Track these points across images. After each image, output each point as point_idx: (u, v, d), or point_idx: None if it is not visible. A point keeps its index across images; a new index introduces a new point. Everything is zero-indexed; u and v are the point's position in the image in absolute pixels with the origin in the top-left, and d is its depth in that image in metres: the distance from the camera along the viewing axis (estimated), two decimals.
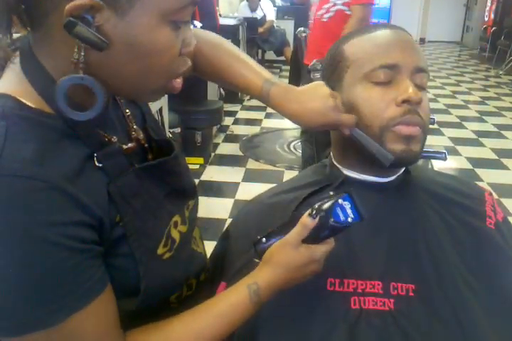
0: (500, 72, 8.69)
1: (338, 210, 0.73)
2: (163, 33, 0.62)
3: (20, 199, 0.55)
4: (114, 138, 0.70)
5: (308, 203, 0.89)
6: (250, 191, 3.02)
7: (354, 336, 0.81)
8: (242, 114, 5.64)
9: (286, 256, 0.74)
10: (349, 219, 0.73)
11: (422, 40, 12.57)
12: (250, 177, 3.81)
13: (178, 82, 0.70)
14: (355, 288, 0.85)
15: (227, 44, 0.96)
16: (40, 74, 0.63)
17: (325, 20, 2.98)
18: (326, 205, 0.73)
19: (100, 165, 0.65)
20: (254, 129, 4.94)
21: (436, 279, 0.86)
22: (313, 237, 0.74)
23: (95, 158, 0.65)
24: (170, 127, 3.45)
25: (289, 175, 3.71)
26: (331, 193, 0.76)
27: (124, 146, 0.72)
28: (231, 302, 0.74)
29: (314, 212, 0.73)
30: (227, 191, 3.57)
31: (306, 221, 0.73)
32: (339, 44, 0.95)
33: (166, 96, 3.30)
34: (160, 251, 0.73)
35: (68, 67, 0.60)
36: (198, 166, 3.90)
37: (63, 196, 0.58)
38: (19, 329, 0.58)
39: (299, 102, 0.87)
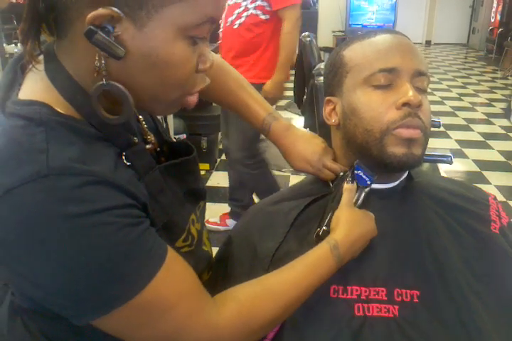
0: (507, 74, 8.65)
1: (358, 179, 0.89)
2: (179, 46, 0.64)
3: (72, 194, 0.58)
4: (136, 139, 0.73)
5: (310, 211, 0.91)
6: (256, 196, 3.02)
7: None
8: None
9: (348, 214, 0.85)
10: (368, 182, 0.89)
11: (428, 43, 12.55)
12: None
13: (194, 97, 0.72)
14: (358, 294, 0.85)
15: (232, 70, 1.05)
16: (67, 82, 0.66)
17: (236, 26, 2.60)
18: (349, 177, 0.90)
19: (129, 163, 0.69)
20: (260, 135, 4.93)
21: (441, 285, 0.86)
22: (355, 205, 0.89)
23: (124, 157, 0.68)
24: (175, 133, 3.45)
25: (294, 180, 3.70)
26: (342, 174, 0.94)
27: (147, 146, 0.79)
28: (315, 255, 0.81)
29: (349, 179, 0.89)
30: None
31: (348, 186, 0.88)
32: (339, 50, 0.96)
33: None
34: (178, 244, 0.77)
35: (91, 75, 0.63)
36: (203, 172, 3.90)
37: (111, 186, 0.62)
38: (103, 307, 0.61)
39: (292, 142, 1.00)
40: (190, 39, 0.64)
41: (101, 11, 0.58)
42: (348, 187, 0.88)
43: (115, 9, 0.59)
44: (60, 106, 0.65)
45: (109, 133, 0.67)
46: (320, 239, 0.86)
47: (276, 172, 3.99)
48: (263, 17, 2.53)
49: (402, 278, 0.86)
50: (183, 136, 3.60)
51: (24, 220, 0.57)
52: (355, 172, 0.89)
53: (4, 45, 3.08)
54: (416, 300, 0.84)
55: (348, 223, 0.84)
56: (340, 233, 0.83)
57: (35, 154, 0.59)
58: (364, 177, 0.89)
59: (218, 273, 0.95)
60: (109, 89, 0.63)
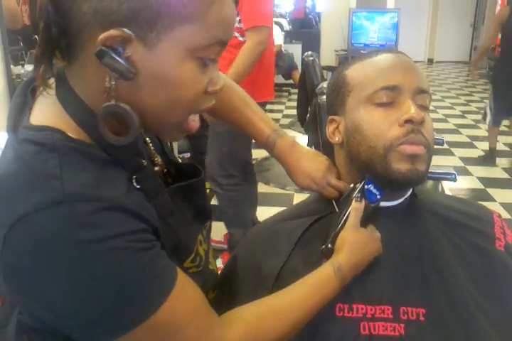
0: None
1: (368, 194, 0.89)
2: (189, 67, 0.64)
3: (86, 220, 0.59)
4: (145, 162, 0.73)
5: (314, 229, 0.91)
6: (260, 214, 3.01)
7: None
8: None
9: (354, 237, 0.86)
10: (378, 197, 0.89)
11: (430, 61, 12.62)
12: (260, 200, 3.79)
13: (196, 122, 0.72)
14: (364, 313, 0.85)
15: (237, 87, 1.06)
16: (78, 106, 0.66)
17: None
18: (359, 193, 0.89)
19: (138, 186, 0.69)
20: (264, 153, 4.92)
21: (447, 303, 0.86)
22: (362, 223, 0.88)
23: (134, 180, 0.69)
24: (179, 152, 3.46)
25: (298, 198, 3.70)
26: (352, 186, 0.91)
27: (156, 168, 0.79)
28: (320, 277, 0.83)
29: (358, 199, 0.88)
30: None
31: (356, 205, 0.88)
32: (341, 70, 0.97)
33: None
34: (186, 264, 0.77)
35: (100, 97, 0.63)
36: (208, 191, 3.90)
37: (124, 212, 0.62)
38: (115, 331, 0.62)
39: (297, 160, 1.01)
40: (199, 60, 0.65)
41: (112, 32, 0.59)
42: (355, 206, 0.88)
43: (126, 30, 0.60)
44: (72, 130, 0.65)
45: (119, 156, 0.68)
46: (323, 255, 0.87)
47: (280, 191, 4.01)
48: (241, 39, 2.49)
49: (408, 296, 0.86)
50: (188, 155, 3.61)
51: (37, 246, 0.58)
52: (366, 186, 0.89)
53: (11, 66, 3.12)
54: (422, 318, 0.84)
55: (353, 246, 0.85)
56: (344, 256, 0.84)
57: (49, 180, 0.60)
58: (374, 191, 0.89)
59: (223, 292, 0.95)
60: (116, 110, 0.63)
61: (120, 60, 0.60)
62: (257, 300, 0.78)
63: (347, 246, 0.85)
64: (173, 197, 0.75)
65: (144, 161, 0.72)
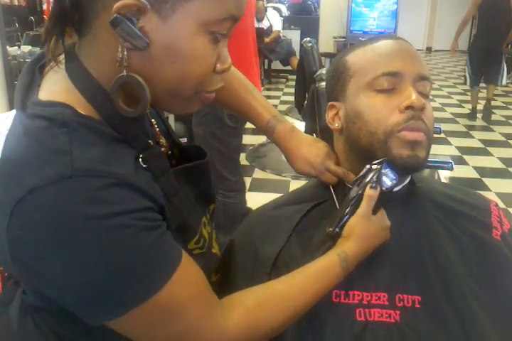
0: (508, 81, 8.66)
1: (384, 178, 0.86)
2: (200, 41, 0.65)
3: (95, 195, 0.59)
4: (151, 142, 0.73)
5: (312, 216, 0.90)
6: (256, 201, 3.01)
7: None
8: (248, 124, 5.61)
9: (364, 227, 0.85)
10: (394, 181, 0.87)
11: (429, 50, 12.58)
12: (256, 186, 3.81)
13: (212, 95, 0.73)
14: (360, 299, 0.85)
15: (238, 72, 1.05)
16: (88, 82, 0.67)
17: None
18: (375, 177, 0.86)
19: (145, 165, 0.69)
20: (261, 139, 4.93)
21: (442, 291, 0.86)
22: (374, 208, 0.86)
23: (141, 160, 0.69)
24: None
25: (295, 184, 3.70)
26: (368, 167, 0.88)
27: (162, 149, 0.79)
28: (324, 265, 0.81)
29: (373, 184, 0.85)
30: None
31: (371, 193, 0.85)
32: (342, 55, 0.96)
33: None
34: (190, 246, 0.77)
35: (112, 70, 0.64)
36: None
37: (132, 189, 0.62)
38: (118, 309, 0.62)
39: (296, 145, 1.00)
40: (211, 35, 0.65)
41: (128, 0, 0.60)
42: (370, 193, 0.85)
43: (142, 0, 0.60)
44: (81, 106, 0.65)
45: (127, 134, 0.68)
46: (330, 238, 0.87)
47: (276, 177, 4.01)
48: None
49: (404, 283, 0.86)
50: (184, 140, 3.60)
51: (46, 220, 0.58)
52: (383, 170, 0.86)
53: (7, 47, 3.09)
54: (417, 305, 0.84)
55: (362, 237, 0.84)
56: (351, 246, 0.83)
57: (59, 155, 0.60)
58: (391, 175, 0.86)
59: (221, 276, 0.95)
60: (128, 81, 0.64)
61: (134, 29, 0.61)
62: (259, 285, 0.78)
63: (356, 236, 0.84)
64: (177, 178, 0.75)
65: (150, 141, 0.73)
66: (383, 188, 0.86)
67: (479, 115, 6.07)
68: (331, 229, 0.87)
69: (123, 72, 0.63)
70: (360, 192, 0.87)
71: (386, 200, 0.87)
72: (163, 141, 0.83)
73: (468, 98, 7.28)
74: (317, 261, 0.82)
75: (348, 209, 0.87)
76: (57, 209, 0.58)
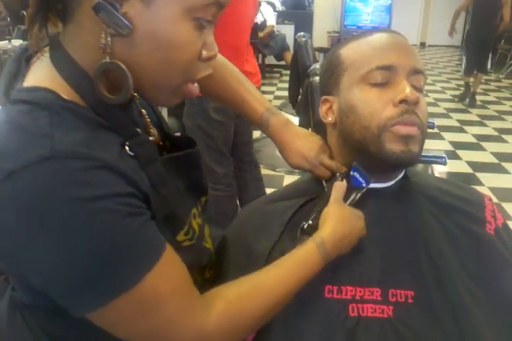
0: (501, 76, 8.68)
1: (354, 180, 0.89)
2: (185, 27, 0.64)
3: (77, 177, 0.58)
4: (139, 131, 0.73)
5: (305, 211, 0.91)
6: None
7: None
8: None
9: (338, 212, 0.85)
10: (363, 184, 0.89)
11: (423, 45, 12.58)
12: None
13: (195, 87, 0.72)
14: (353, 295, 0.84)
15: (231, 65, 1.05)
16: (72, 69, 0.66)
17: None
18: (343, 177, 0.90)
19: (132, 153, 0.68)
20: (255, 134, 4.90)
21: (436, 286, 0.86)
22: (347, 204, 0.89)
23: (127, 147, 0.68)
24: None
25: (289, 179, 3.70)
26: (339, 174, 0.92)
27: (150, 138, 0.78)
28: (302, 253, 0.81)
29: (340, 178, 0.90)
30: None
31: (338, 183, 0.89)
32: (335, 49, 0.96)
33: None
34: (180, 237, 0.77)
35: (96, 57, 0.63)
36: None
37: (115, 173, 0.61)
38: (100, 298, 0.61)
39: (290, 138, 0.99)
40: (196, 21, 0.65)
41: None
42: (337, 184, 0.88)
43: None
44: (66, 93, 0.65)
45: (113, 121, 0.67)
46: (305, 233, 0.86)
47: (270, 172, 4.00)
48: None
49: (397, 278, 0.86)
50: (178, 134, 3.58)
51: (26, 204, 0.57)
52: (351, 173, 0.89)
53: None
54: (410, 300, 0.84)
55: (335, 220, 0.84)
56: (326, 230, 0.83)
57: (40, 138, 0.59)
58: (360, 179, 0.89)
59: (214, 272, 0.95)
60: (111, 68, 0.63)
61: (117, 15, 0.60)
62: (240, 278, 0.78)
63: (329, 219, 0.84)
64: (166, 168, 0.75)
65: (138, 130, 0.72)
66: (353, 185, 0.89)
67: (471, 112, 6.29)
68: (304, 223, 0.88)
69: (106, 59, 0.63)
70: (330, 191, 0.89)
71: (359, 198, 0.90)
72: (153, 131, 0.82)
73: (459, 102, 7.34)
74: (295, 251, 0.81)
75: (322, 207, 0.88)
76: (36, 191, 0.57)
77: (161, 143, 0.84)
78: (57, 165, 0.57)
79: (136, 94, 0.75)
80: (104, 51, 0.62)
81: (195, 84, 0.72)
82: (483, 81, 7.91)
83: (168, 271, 0.66)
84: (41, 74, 0.67)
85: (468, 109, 6.37)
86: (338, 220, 0.84)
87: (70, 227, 0.58)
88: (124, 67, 0.63)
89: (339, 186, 0.88)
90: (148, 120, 0.83)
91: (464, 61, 6.77)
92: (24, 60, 0.70)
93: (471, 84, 6.67)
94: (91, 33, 0.63)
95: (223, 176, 2.53)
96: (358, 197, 0.90)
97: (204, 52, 0.68)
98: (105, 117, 0.66)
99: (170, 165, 0.76)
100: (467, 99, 6.62)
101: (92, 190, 0.58)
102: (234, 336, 0.74)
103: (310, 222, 0.87)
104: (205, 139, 2.45)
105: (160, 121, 0.88)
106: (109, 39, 0.62)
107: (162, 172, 0.73)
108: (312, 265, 0.80)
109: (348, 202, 0.89)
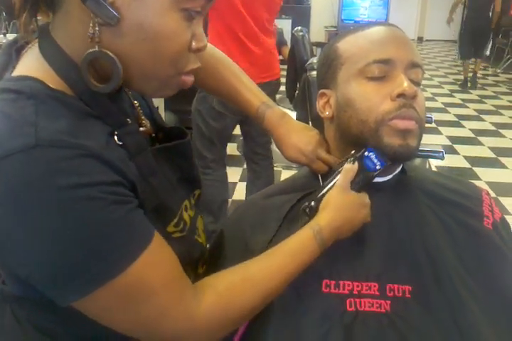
0: (498, 71, 8.69)
1: (367, 160, 0.85)
2: (173, 18, 0.64)
3: (61, 165, 0.58)
4: (129, 121, 0.73)
5: (301, 205, 0.90)
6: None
7: (350, 338, 0.80)
8: None
9: (340, 198, 0.83)
10: (377, 167, 0.85)
11: (420, 39, 12.56)
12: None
13: (190, 77, 0.72)
14: (350, 289, 0.84)
15: (229, 60, 1.05)
16: (60, 58, 0.66)
17: None
18: (357, 155, 0.86)
19: (121, 143, 0.68)
20: None
21: (433, 280, 0.86)
22: (355, 188, 0.85)
23: (116, 137, 0.68)
24: None
25: (286, 174, 3.70)
26: (353, 152, 0.88)
27: (141, 129, 0.79)
28: (299, 242, 0.79)
29: (352, 159, 0.85)
30: None
31: (348, 166, 0.84)
32: (333, 43, 0.95)
33: None
34: (170, 229, 0.76)
35: (84, 47, 0.63)
36: None
37: (101, 161, 0.61)
38: (84, 287, 0.60)
39: (287, 132, 0.98)
40: (185, 12, 0.65)
41: None
42: (347, 167, 0.85)
43: None
44: (54, 82, 0.65)
45: (101, 110, 0.67)
46: (305, 214, 0.85)
47: None
48: None
49: (395, 273, 0.86)
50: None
51: (8, 192, 0.57)
52: (366, 154, 0.85)
53: None
54: (408, 295, 0.84)
55: (337, 207, 0.82)
56: (325, 218, 0.81)
57: (24, 127, 0.59)
58: (375, 160, 0.85)
59: (210, 267, 0.95)
60: (101, 57, 0.63)
61: (104, 3, 0.60)
62: (232, 268, 0.77)
63: (331, 206, 0.82)
64: (157, 158, 0.74)
65: (128, 120, 0.72)
66: (364, 168, 0.85)
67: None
68: (306, 203, 0.86)
69: (95, 48, 0.63)
70: (340, 169, 0.86)
71: (367, 183, 0.86)
72: (145, 122, 0.82)
73: (459, 88, 7.34)
74: (291, 239, 0.80)
75: (326, 184, 0.86)
76: (20, 179, 0.57)
77: (153, 135, 0.84)
78: (42, 154, 0.57)
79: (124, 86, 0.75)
80: (92, 40, 0.63)
81: (191, 76, 0.72)
82: (480, 76, 7.92)
83: (157, 261, 0.66)
84: (29, 64, 0.67)
85: (466, 104, 6.37)
86: (339, 207, 0.82)
87: (53, 215, 0.58)
88: (113, 55, 0.63)
89: (349, 169, 0.84)
90: (141, 111, 0.82)
91: (458, 48, 7.82)
92: (14, 51, 0.70)
93: (470, 69, 7.28)
94: (79, 22, 0.63)
95: (212, 161, 2.56)
96: (365, 179, 0.86)
97: (193, 43, 0.68)
98: (93, 106, 0.66)
99: (161, 156, 0.76)
100: (469, 83, 7.26)
101: (76, 178, 0.58)
102: (224, 327, 0.73)
103: (312, 203, 0.85)
104: (200, 126, 2.48)
105: (152, 113, 0.88)
106: (97, 28, 0.62)
107: (152, 162, 0.72)
108: (308, 253, 0.79)
109: (356, 186, 0.85)
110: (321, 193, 0.86)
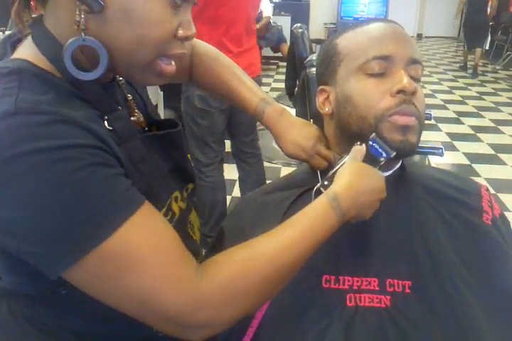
0: (498, 67, 8.67)
1: (373, 150, 0.83)
2: (158, 4, 0.65)
3: (40, 130, 0.58)
4: (121, 108, 0.74)
5: (302, 201, 0.90)
6: None
7: (350, 334, 0.80)
8: None
9: (355, 167, 0.80)
10: (383, 155, 0.83)
11: (420, 36, 12.54)
12: None
13: (171, 65, 0.72)
14: (350, 285, 0.85)
15: (226, 58, 1.05)
16: (49, 43, 0.68)
17: None
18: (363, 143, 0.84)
19: (111, 128, 0.68)
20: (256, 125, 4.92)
21: (433, 275, 0.86)
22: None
23: (106, 122, 0.68)
24: None
25: (286, 171, 3.70)
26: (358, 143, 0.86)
27: (132, 118, 0.79)
28: (315, 212, 0.74)
29: (359, 143, 0.84)
30: None
31: (357, 147, 0.83)
32: (332, 39, 0.95)
33: (162, 93, 3.29)
34: None
35: (72, 34, 0.65)
36: None
37: (81, 127, 0.61)
38: (71, 253, 0.59)
39: (286, 128, 0.97)
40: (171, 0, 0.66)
41: None
42: (357, 147, 0.83)
43: None
44: (44, 66, 0.67)
45: (91, 95, 0.68)
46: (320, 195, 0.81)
47: (267, 164, 3.99)
48: None
49: (395, 268, 0.86)
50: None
51: None
52: (370, 143, 0.83)
53: None
54: (408, 290, 0.84)
55: (351, 174, 0.79)
56: (341, 184, 0.77)
57: (6, 97, 0.60)
58: (380, 150, 0.83)
59: None
60: (85, 44, 0.64)
61: None
62: (243, 243, 0.72)
63: (345, 174, 0.79)
64: (147, 147, 0.74)
65: (120, 108, 0.73)
66: (371, 155, 0.83)
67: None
68: (318, 184, 0.83)
69: (81, 35, 0.64)
70: (341, 163, 0.84)
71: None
72: (138, 115, 0.82)
73: (458, 84, 7.38)
74: (306, 210, 0.75)
75: (335, 165, 0.84)
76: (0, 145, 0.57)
77: (146, 128, 0.84)
78: (21, 120, 0.58)
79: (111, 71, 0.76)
80: (78, 28, 0.64)
81: (171, 63, 0.72)
82: (480, 72, 7.92)
83: (149, 228, 0.64)
84: (21, 51, 0.69)
85: (465, 101, 6.37)
86: (354, 175, 0.79)
87: (32, 178, 0.57)
88: (97, 42, 0.64)
89: (358, 149, 0.83)
90: (134, 105, 0.83)
91: (464, 40, 8.46)
92: (10, 44, 0.71)
93: (469, 59, 8.18)
94: (67, 10, 0.65)
95: (205, 166, 2.53)
96: (377, 168, 0.83)
97: (180, 31, 0.69)
98: (83, 91, 0.67)
99: (152, 145, 0.76)
100: (469, 70, 8.04)
101: (55, 141, 0.58)
102: (232, 302, 0.66)
103: (326, 182, 0.83)
104: (191, 126, 2.47)
105: (147, 107, 0.88)
106: (82, 16, 0.63)
107: (141, 149, 0.73)
108: (326, 225, 0.73)
109: None
110: (332, 171, 0.83)
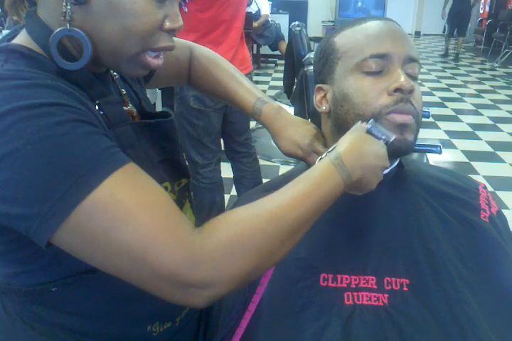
0: (496, 65, 8.68)
1: (374, 131, 0.81)
2: None
3: (20, 92, 0.60)
4: (114, 95, 0.75)
5: None
6: None
7: (348, 332, 0.80)
8: None
9: (357, 133, 0.80)
10: (383, 137, 0.80)
11: (418, 34, 12.55)
12: None
13: (158, 59, 0.73)
14: (348, 283, 0.85)
15: (223, 60, 1.06)
16: (40, 29, 0.69)
17: None
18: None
19: (102, 112, 0.70)
20: (250, 124, 4.91)
21: (430, 273, 0.86)
22: None
23: (97, 106, 0.70)
24: None
25: (284, 169, 3.70)
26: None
27: (125, 108, 0.80)
28: (317, 171, 0.73)
29: (360, 121, 0.83)
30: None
31: (360, 124, 0.82)
32: (329, 37, 0.95)
33: (160, 92, 3.28)
34: None
35: (60, 24, 0.67)
36: None
37: (63, 92, 0.63)
38: (57, 212, 0.58)
39: (284, 126, 0.97)
40: None
41: None
42: (359, 124, 0.82)
43: None
44: (37, 50, 0.69)
45: (81, 79, 0.70)
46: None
47: (265, 163, 4.00)
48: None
49: (392, 266, 0.86)
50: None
51: None
52: (369, 126, 0.81)
53: None
54: (405, 288, 0.84)
55: (354, 139, 0.78)
56: (343, 146, 0.76)
57: None
58: (379, 134, 0.81)
59: None
60: (70, 34, 0.66)
61: None
62: (245, 205, 0.69)
63: (347, 139, 0.79)
64: (138, 135, 0.75)
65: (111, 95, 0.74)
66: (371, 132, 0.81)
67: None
68: (324, 154, 0.79)
69: (66, 26, 0.66)
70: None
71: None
72: (131, 108, 0.83)
73: (457, 82, 7.38)
74: (309, 171, 0.74)
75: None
76: None
77: (140, 121, 0.84)
78: (1, 85, 0.60)
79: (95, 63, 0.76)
80: (65, 19, 0.65)
81: (159, 56, 0.73)
82: (478, 69, 7.92)
83: (136, 184, 0.62)
84: (15, 39, 0.71)
85: (464, 98, 6.37)
86: (357, 139, 0.78)
87: (15, 135, 0.58)
88: (82, 32, 0.66)
89: (360, 125, 0.82)
90: (128, 99, 0.84)
91: (446, 28, 9.51)
92: (7, 41, 0.72)
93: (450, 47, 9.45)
94: (55, 1, 0.67)
95: (202, 167, 2.51)
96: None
97: (167, 23, 0.69)
98: (75, 76, 0.69)
99: (143, 133, 0.77)
100: (450, 57, 9.35)
101: (36, 100, 0.60)
102: (234, 259, 0.62)
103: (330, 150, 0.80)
104: (186, 127, 2.45)
105: (141, 102, 0.89)
106: (68, 7, 0.65)
107: (131, 135, 0.74)
108: (330, 184, 0.71)
109: None
110: (334, 146, 0.80)
